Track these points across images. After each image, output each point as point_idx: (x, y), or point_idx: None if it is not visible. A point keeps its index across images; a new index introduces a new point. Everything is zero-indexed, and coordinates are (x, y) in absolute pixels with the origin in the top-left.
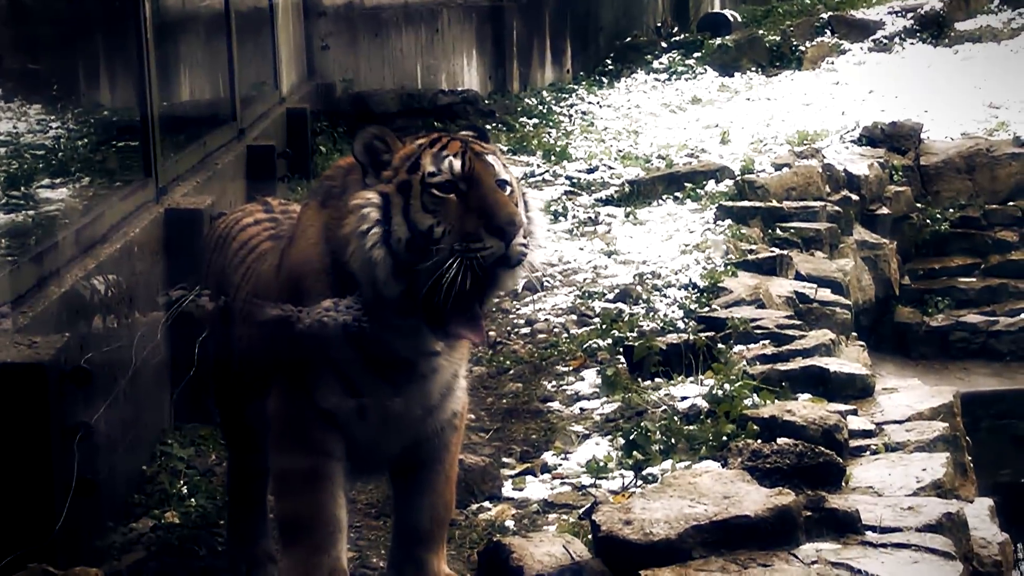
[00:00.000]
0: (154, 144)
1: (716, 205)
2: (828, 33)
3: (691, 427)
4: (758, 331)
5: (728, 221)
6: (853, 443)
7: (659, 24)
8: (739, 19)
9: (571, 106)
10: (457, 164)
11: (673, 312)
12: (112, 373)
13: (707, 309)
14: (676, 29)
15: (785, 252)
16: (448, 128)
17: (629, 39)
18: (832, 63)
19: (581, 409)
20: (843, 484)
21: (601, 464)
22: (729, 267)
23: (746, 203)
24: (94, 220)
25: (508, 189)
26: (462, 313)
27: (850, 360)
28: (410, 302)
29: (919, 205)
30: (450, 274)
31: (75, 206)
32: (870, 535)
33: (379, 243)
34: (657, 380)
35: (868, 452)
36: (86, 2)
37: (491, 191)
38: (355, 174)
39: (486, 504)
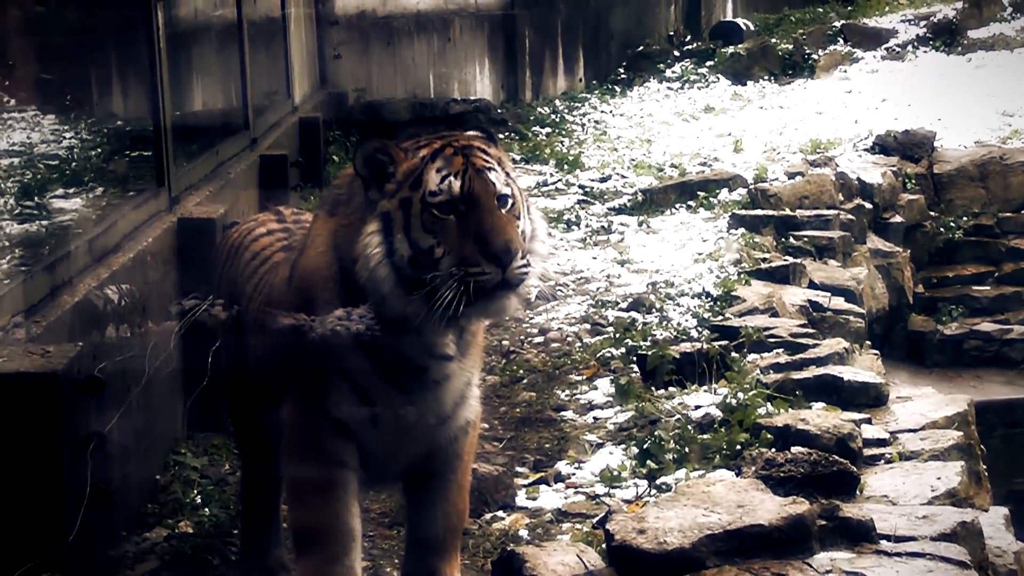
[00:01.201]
0: (167, 153)
1: (729, 214)
2: (841, 41)
3: (705, 436)
4: (771, 340)
5: (741, 230)
6: (867, 452)
7: (671, 33)
8: (751, 27)
9: (583, 115)
10: (457, 185)
11: (686, 321)
12: (125, 382)
13: (720, 318)
14: (688, 38)
15: (798, 260)
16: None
17: (641, 48)
18: (845, 71)
19: (594, 418)
20: (857, 493)
21: (615, 473)
22: (742, 276)
23: (759, 212)
24: (107, 229)
25: (510, 203)
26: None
27: (864, 368)
28: (418, 312)
29: (932, 213)
30: (447, 296)
31: (88, 215)
32: (884, 544)
33: (383, 260)
34: (670, 389)
35: (882, 461)
36: (99, 12)
37: (489, 214)
38: (360, 182)
39: (500, 513)
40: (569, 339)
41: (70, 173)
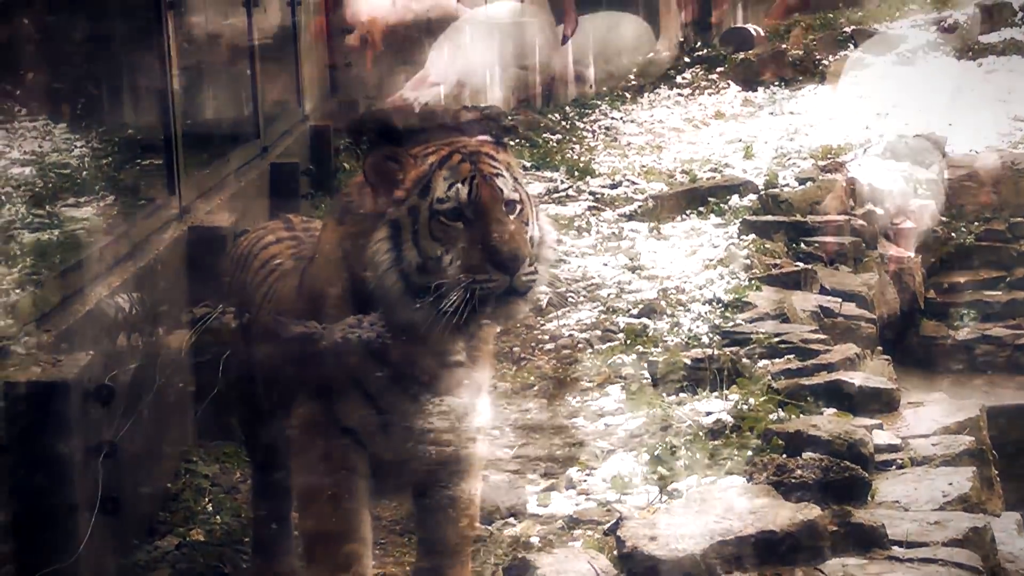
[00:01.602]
0: (178, 162)
1: (740, 220)
2: (851, 47)
3: (716, 442)
4: (783, 345)
5: (752, 236)
6: (879, 457)
7: (681, 39)
8: (761, 33)
9: (594, 121)
10: (464, 192)
11: (697, 327)
12: (136, 391)
13: (731, 324)
14: (699, 44)
15: (809, 266)
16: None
17: (651, 54)
18: (855, 76)
19: (606, 424)
20: (869, 499)
21: (626, 480)
22: (753, 282)
23: (770, 217)
24: (118, 238)
25: (518, 208)
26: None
27: (875, 374)
28: (426, 319)
29: (943, 218)
30: (455, 303)
31: (99, 224)
32: (896, 550)
33: (391, 268)
34: (682, 395)
35: (894, 466)
36: (110, 21)
37: (496, 221)
38: (369, 189)
39: (511, 520)
40: (580, 346)
41: (81, 182)
